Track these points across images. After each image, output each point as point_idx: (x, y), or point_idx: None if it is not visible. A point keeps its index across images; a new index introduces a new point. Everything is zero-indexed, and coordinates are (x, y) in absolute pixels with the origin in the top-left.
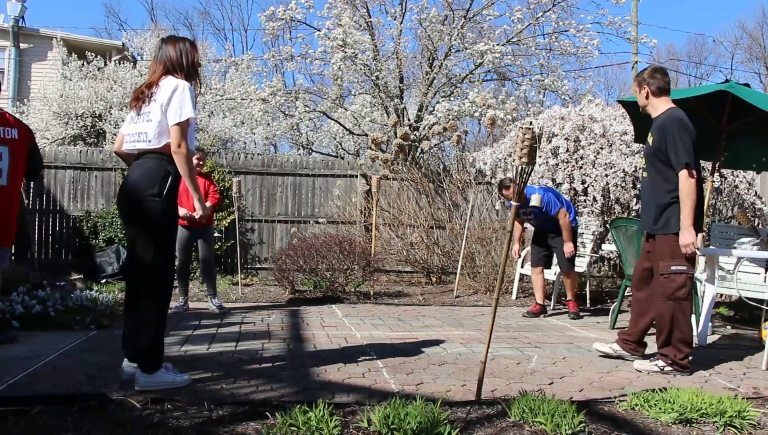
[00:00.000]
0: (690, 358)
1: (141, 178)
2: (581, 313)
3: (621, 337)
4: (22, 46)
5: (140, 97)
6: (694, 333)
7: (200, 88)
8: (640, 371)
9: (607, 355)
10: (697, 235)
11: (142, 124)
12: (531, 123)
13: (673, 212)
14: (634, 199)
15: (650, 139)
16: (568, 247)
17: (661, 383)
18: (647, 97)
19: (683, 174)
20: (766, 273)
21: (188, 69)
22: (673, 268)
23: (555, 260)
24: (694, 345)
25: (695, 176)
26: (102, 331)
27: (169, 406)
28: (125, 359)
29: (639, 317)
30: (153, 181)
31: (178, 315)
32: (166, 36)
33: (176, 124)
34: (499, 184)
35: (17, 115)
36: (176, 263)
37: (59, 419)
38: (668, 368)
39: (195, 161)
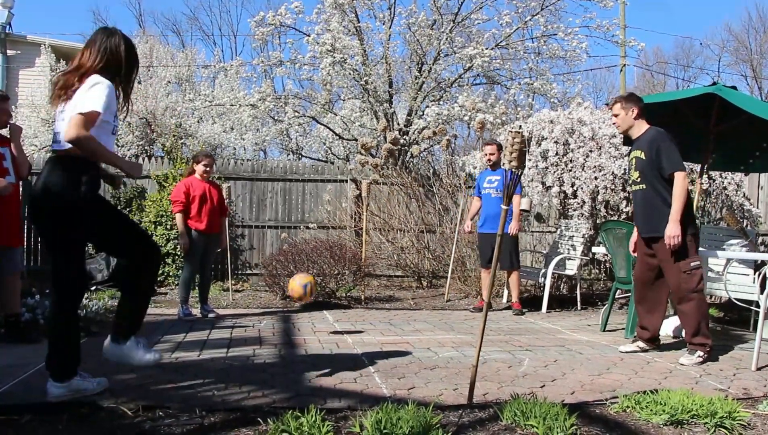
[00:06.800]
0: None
1: (53, 180)
2: (580, 316)
3: (643, 336)
4: (10, 52)
5: (59, 91)
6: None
7: (126, 103)
8: (686, 365)
9: (635, 352)
10: (696, 234)
11: (60, 123)
12: (520, 127)
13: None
14: (624, 202)
15: (641, 154)
16: (513, 225)
17: (651, 384)
18: (635, 118)
19: (680, 175)
20: (754, 274)
21: (129, 73)
22: (692, 264)
23: (550, 262)
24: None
25: (687, 180)
26: (91, 338)
27: (160, 413)
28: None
29: (653, 314)
30: (70, 184)
31: (169, 322)
32: (110, 28)
33: (78, 114)
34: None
35: None
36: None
37: (49, 428)
38: (706, 356)
39: (202, 168)
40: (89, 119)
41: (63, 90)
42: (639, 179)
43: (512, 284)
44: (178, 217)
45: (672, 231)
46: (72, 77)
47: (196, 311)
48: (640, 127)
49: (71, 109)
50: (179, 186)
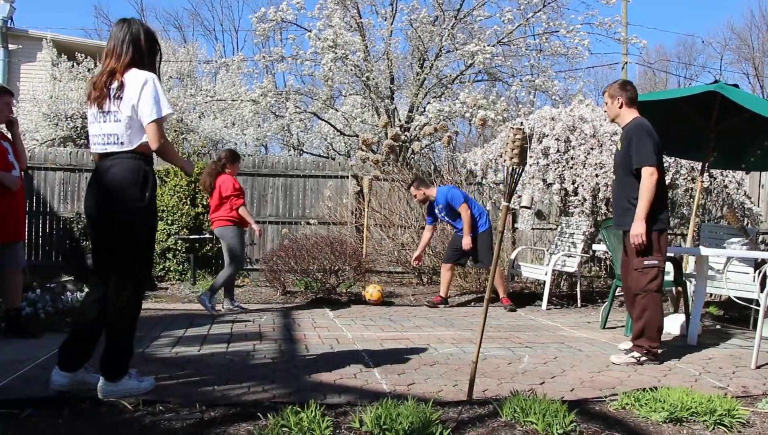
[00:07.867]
0: (660, 349)
1: (119, 180)
2: (581, 311)
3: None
4: (11, 47)
5: (102, 91)
6: (685, 333)
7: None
8: (618, 364)
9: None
10: (665, 230)
11: (111, 125)
12: (522, 123)
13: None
14: None
15: (619, 145)
16: (465, 241)
17: (651, 382)
18: (620, 107)
19: (647, 171)
20: (755, 272)
21: (155, 59)
22: (646, 262)
23: (551, 259)
24: (688, 344)
25: (657, 175)
26: None
27: (161, 408)
28: None
29: None
30: (134, 184)
31: (169, 317)
32: (128, 18)
33: (153, 122)
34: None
35: None
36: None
37: (50, 422)
38: (644, 358)
39: (238, 167)
40: (163, 123)
41: (103, 89)
42: (614, 170)
43: (496, 281)
44: (243, 209)
45: (635, 230)
46: (107, 76)
47: (189, 307)
48: (626, 117)
49: (140, 114)
50: (231, 182)
